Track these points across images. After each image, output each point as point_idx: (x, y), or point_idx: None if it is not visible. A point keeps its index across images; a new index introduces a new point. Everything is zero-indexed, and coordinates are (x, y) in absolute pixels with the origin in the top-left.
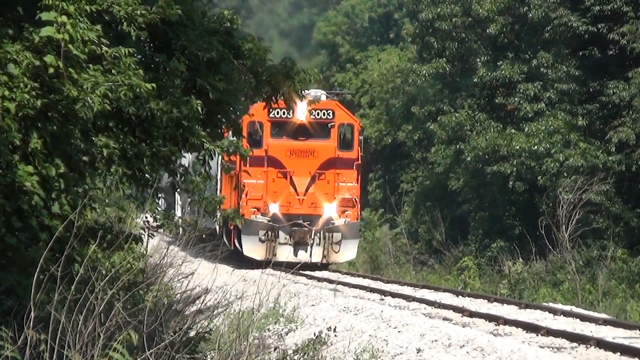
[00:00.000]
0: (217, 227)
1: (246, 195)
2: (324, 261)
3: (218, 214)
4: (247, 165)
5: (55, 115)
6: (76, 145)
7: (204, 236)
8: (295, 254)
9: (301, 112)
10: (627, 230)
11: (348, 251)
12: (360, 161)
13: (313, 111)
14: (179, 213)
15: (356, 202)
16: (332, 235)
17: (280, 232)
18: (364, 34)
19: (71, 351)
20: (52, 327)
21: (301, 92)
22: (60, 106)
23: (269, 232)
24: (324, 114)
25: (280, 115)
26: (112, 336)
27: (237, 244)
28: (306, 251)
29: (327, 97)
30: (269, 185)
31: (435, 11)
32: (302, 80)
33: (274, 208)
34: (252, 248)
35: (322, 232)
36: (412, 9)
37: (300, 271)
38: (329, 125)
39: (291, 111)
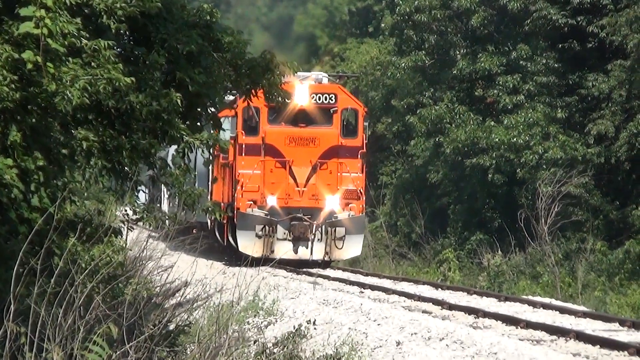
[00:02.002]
0: (209, 221)
1: (241, 186)
2: (326, 258)
3: (208, 207)
4: (243, 154)
5: (34, 108)
6: (55, 138)
7: (194, 230)
8: (295, 251)
9: (301, 96)
10: (606, 222)
11: (352, 247)
12: (365, 149)
13: (314, 95)
14: (165, 206)
15: (361, 194)
16: (335, 230)
17: (278, 226)
18: (343, 27)
19: (51, 344)
20: (32, 320)
21: (280, 85)
22: (40, 99)
23: (267, 227)
24: (325, 98)
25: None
26: (92, 329)
27: (231, 240)
28: (307, 247)
29: (329, 79)
30: (266, 176)
31: (412, 4)
32: (281, 72)
33: (272, 200)
34: (248, 244)
35: (324, 227)
36: (390, 2)
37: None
38: (331, 110)
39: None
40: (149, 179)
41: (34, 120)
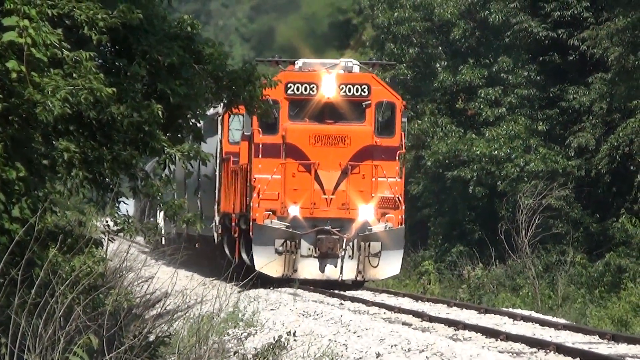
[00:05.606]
0: (215, 235)
1: (258, 194)
2: (359, 278)
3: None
4: (260, 156)
5: (15, 118)
6: (36, 149)
7: (197, 245)
8: (322, 270)
9: (328, 88)
10: (587, 235)
11: (389, 266)
12: (404, 149)
13: (343, 86)
14: (160, 219)
15: (399, 202)
16: (370, 245)
17: (302, 241)
18: (323, 40)
19: (31, 355)
20: (12, 330)
21: (261, 97)
22: (21, 110)
23: (288, 242)
24: (357, 90)
25: (302, 92)
26: (72, 340)
27: (244, 257)
28: (336, 266)
29: (360, 68)
30: (287, 182)
31: (391, 16)
32: (262, 85)
33: (294, 210)
34: (266, 262)
35: (356, 241)
36: (369, 15)
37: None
38: (363, 104)
39: (315, 87)
40: (130, 190)
41: (15, 131)
